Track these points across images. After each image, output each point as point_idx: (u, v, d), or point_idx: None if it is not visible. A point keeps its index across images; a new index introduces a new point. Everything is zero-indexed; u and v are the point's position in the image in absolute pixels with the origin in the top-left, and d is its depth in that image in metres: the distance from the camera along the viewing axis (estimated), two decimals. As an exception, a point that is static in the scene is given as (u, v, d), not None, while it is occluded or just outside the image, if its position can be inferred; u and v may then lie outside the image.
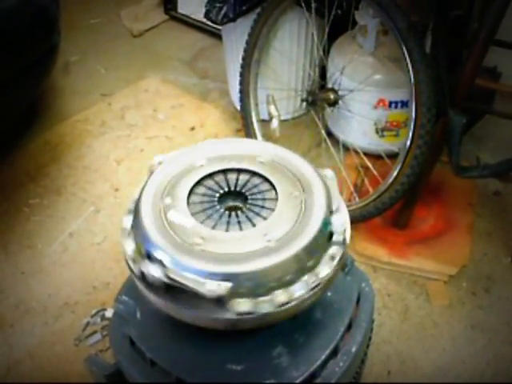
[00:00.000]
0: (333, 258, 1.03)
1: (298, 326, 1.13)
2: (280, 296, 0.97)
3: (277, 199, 1.09)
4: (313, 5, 2.31)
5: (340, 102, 2.32)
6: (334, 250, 1.04)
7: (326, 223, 1.04)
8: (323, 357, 1.09)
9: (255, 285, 0.97)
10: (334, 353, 1.13)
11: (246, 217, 1.09)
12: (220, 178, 1.17)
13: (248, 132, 2.57)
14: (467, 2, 2.07)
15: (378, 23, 2.26)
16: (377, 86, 2.31)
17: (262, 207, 1.10)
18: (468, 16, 2.09)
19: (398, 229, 2.25)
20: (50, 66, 2.72)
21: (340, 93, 2.31)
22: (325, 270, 1.01)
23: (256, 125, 2.56)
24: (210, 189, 1.15)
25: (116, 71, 3.32)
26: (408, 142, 1.98)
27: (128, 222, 1.09)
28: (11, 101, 2.48)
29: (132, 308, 1.20)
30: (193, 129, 2.84)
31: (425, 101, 1.91)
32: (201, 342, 1.11)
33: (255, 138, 2.53)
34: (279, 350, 1.10)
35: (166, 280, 0.97)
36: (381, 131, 2.42)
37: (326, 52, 2.49)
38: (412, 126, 1.96)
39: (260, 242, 1.01)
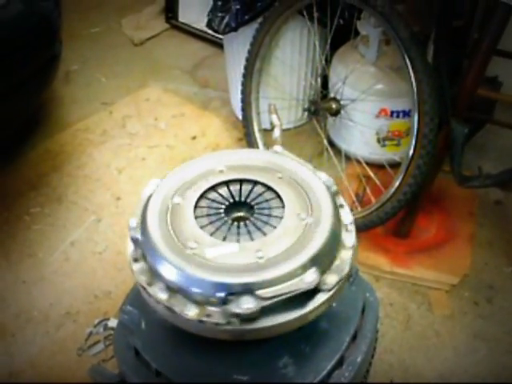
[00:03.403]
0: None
1: (303, 336, 1.12)
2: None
3: (282, 218, 1.09)
4: (315, 14, 2.31)
5: (342, 111, 2.33)
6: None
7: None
8: (329, 367, 1.09)
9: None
10: (340, 363, 1.12)
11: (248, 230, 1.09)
12: (232, 188, 1.17)
13: (249, 141, 2.58)
14: (469, 13, 2.08)
15: (380, 33, 2.27)
16: (379, 96, 2.32)
17: (266, 223, 1.10)
18: (469, 26, 2.10)
19: (399, 238, 2.25)
20: (51, 75, 2.72)
21: (342, 102, 2.32)
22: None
23: (258, 134, 2.56)
24: (219, 197, 1.15)
25: (117, 80, 3.32)
26: (410, 152, 1.98)
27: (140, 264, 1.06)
28: (13, 110, 2.49)
29: (137, 318, 1.20)
30: (194, 138, 2.84)
31: (427, 110, 1.91)
32: (206, 352, 1.11)
33: (257, 147, 2.53)
34: (285, 361, 1.09)
35: (263, 304, 0.95)
36: (382, 141, 2.43)
37: (328, 61, 2.49)
38: (414, 136, 1.96)
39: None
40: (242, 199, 1.15)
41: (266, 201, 1.13)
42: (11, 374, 1.88)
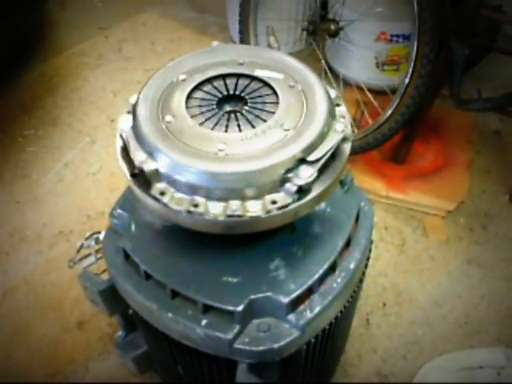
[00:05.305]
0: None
1: (296, 239, 1.12)
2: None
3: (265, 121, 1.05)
4: None
5: (341, 33, 2.28)
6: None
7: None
8: (321, 271, 1.07)
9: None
10: (332, 268, 1.11)
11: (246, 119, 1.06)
12: (219, 83, 1.14)
13: (247, 65, 2.53)
14: None
15: (381, -49, 2.22)
16: (378, 19, 2.28)
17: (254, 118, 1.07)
18: None
19: (396, 163, 2.23)
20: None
21: (341, 24, 2.27)
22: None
23: (255, 57, 2.52)
24: (208, 93, 1.12)
25: (113, 5, 3.27)
26: (409, 72, 1.94)
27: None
28: (5, 29, 2.44)
29: (126, 221, 1.18)
30: (191, 62, 2.80)
31: (428, 30, 1.86)
32: (196, 253, 1.10)
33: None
34: (277, 263, 1.08)
35: None
36: (381, 65, 2.40)
37: (328, -18, 2.44)
38: (414, 56, 1.92)
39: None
40: (242, 94, 1.11)
41: (264, 103, 1.09)
42: (6, 290, 1.88)
